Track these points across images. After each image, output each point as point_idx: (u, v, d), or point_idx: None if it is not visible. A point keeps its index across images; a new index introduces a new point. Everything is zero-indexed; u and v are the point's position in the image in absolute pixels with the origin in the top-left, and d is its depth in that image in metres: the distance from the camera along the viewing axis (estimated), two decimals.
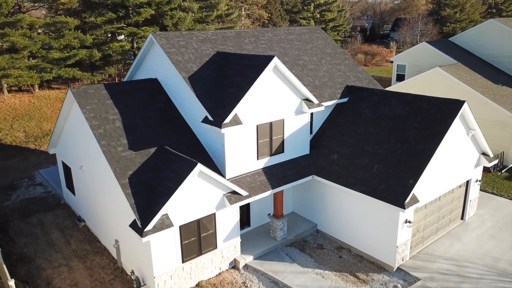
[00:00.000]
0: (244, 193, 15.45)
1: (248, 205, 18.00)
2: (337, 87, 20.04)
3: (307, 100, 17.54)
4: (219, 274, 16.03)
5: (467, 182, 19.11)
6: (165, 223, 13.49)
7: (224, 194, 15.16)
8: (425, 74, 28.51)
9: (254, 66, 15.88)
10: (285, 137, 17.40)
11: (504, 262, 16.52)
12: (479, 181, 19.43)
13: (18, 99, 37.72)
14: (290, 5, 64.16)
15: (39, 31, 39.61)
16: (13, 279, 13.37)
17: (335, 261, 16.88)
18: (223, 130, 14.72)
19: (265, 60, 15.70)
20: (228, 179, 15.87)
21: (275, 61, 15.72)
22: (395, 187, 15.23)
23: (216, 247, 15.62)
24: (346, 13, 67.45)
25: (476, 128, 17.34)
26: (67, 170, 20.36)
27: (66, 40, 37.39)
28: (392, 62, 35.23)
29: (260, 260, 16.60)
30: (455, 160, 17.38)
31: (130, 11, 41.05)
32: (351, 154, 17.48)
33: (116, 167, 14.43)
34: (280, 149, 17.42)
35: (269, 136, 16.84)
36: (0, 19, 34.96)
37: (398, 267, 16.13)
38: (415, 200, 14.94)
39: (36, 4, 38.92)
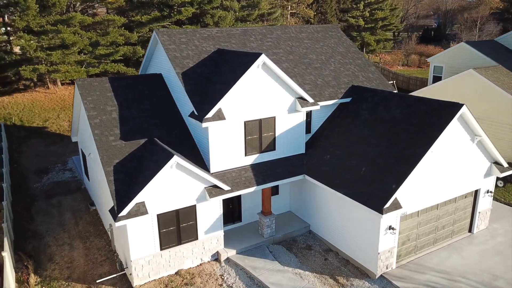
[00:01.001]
0: (225, 187, 15.74)
1: (239, 201, 18.24)
2: (341, 86, 19.57)
3: (301, 98, 17.38)
4: (200, 264, 16.47)
5: (476, 192, 17.79)
6: (140, 210, 14.16)
7: (205, 187, 15.55)
8: (457, 76, 26.75)
9: (242, 63, 16.08)
10: (276, 135, 17.38)
11: (502, 281, 15.23)
12: (491, 192, 17.99)
13: (68, 91, 40.97)
14: (347, 4, 62.80)
15: (113, 26, 41.96)
16: (6, 251, 14.77)
17: (319, 263, 16.60)
18: (204, 124, 15.11)
19: (252, 58, 15.84)
20: (212, 173, 16.25)
21: (263, 58, 15.79)
22: (377, 191, 14.67)
23: (197, 238, 16.07)
24: (399, 11, 64.53)
25: (481, 134, 16.11)
26: (83, 157, 21.93)
27: (112, 37, 39.89)
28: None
29: (243, 255, 16.79)
30: (457, 167, 16.29)
31: (175, 10, 42.78)
32: (343, 155, 17.05)
33: (104, 155, 15.40)
34: (271, 147, 17.44)
35: (259, 133, 16.93)
36: (55, 17, 38.20)
37: (381, 275, 15.51)
38: (396, 206, 14.28)
39: (87, 4, 41.89)
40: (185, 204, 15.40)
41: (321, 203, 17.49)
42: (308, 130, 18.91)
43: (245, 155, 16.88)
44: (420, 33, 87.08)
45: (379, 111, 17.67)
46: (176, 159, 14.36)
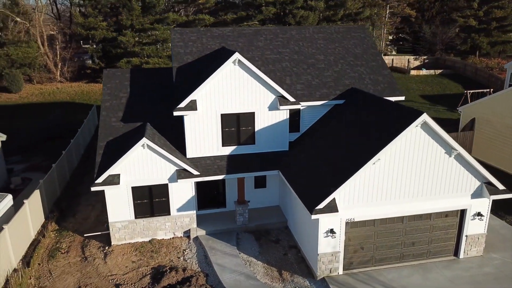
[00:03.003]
0: (194, 172, 17.42)
1: (224, 187, 19.63)
2: (339, 88, 19.35)
3: (282, 97, 17.95)
4: (172, 238, 18.49)
5: (462, 213, 16.04)
6: (114, 181, 16.79)
7: (176, 170, 17.48)
8: None
9: (221, 60, 17.45)
10: (256, 130, 18.29)
11: None
12: (482, 215, 15.96)
13: None
14: (455, 2, 57.31)
15: (202, 25, 47.30)
16: (26, 200, 18.83)
17: (277, 257, 17.11)
18: (175, 113, 17.01)
19: (227, 55, 17.10)
20: (188, 158, 18.06)
21: (237, 56, 16.91)
22: (319, 193, 14.68)
23: (169, 214, 18.11)
24: None
25: (456, 148, 14.62)
26: None
27: None
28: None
29: (210, 236, 18.26)
30: (427, 181, 15.07)
31: (260, 10, 45.18)
32: (314, 156, 17.17)
33: (102, 132, 18.50)
34: (250, 141, 18.42)
35: (236, 127, 18.10)
36: (155, 17, 44.05)
37: (324, 278, 15.42)
38: (332, 209, 14.14)
39: (182, 5, 46.99)
40: (158, 182, 17.54)
41: (292, 200, 17.89)
42: (297, 129, 19.29)
43: (222, 145, 18.24)
44: None
45: (361, 115, 17.21)
46: (145, 140, 16.59)
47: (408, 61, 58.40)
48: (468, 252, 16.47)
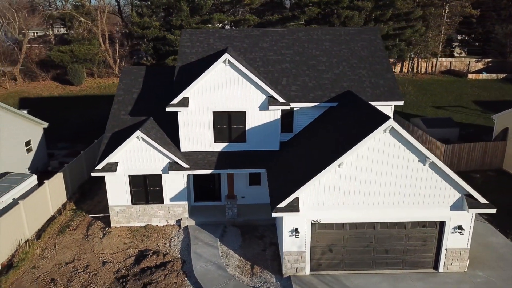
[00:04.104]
0: (184, 165, 18.54)
1: (219, 183, 20.53)
2: (335, 90, 19.26)
3: (272, 97, 18.37)
4: (165, 225, 19.80)
5: (441, 225, 15.34)
6: (111, 168, 18.47)
7: (169, 162, 18.72)
8: None
9: (214, 60, 18.31)
10: (247, 129, 18.90)
11: None
12: (462, 228, 15.11)
13: None
14: None
15: (247, 25, 48.49)
16: (46, 181, 21.25)
17: (255, 252, 17.66)
18: (168, 109, 18.21)
19: (218, 55, 17.91)
20: (182, 152, 19.21)
21: (226, 56, 17.67)
22: (285, 192, 15.00)
23: (163, 203, 19.43)
24: None
25: (429, 156, 14.07)
26: None
27: None
28: None
29: (199, 227, 19.28)
30: (400, 189, 14.67)
31: (303, 10, 45.27)
32: (297, 156, 17.41)
33: (111, 124, 20.30)
34: (242, 139, 19.08)
35: (228, 124, 18.87)
36: (202, 17, 46.08)
37: (290, 276, 15.69)
38: (292, 209, 14.41)
39: (230, 6, 48.44)
40: (152, 172, 18.92)
41: None
42: (290, 129, 19.56)
43: (214, 142, 19.12)
44: None
45: (345, 118, 17.09)
46: (139, 133, 18.03)
47: (468, 64, 54.65)
48: (448, 266, 15.70)
